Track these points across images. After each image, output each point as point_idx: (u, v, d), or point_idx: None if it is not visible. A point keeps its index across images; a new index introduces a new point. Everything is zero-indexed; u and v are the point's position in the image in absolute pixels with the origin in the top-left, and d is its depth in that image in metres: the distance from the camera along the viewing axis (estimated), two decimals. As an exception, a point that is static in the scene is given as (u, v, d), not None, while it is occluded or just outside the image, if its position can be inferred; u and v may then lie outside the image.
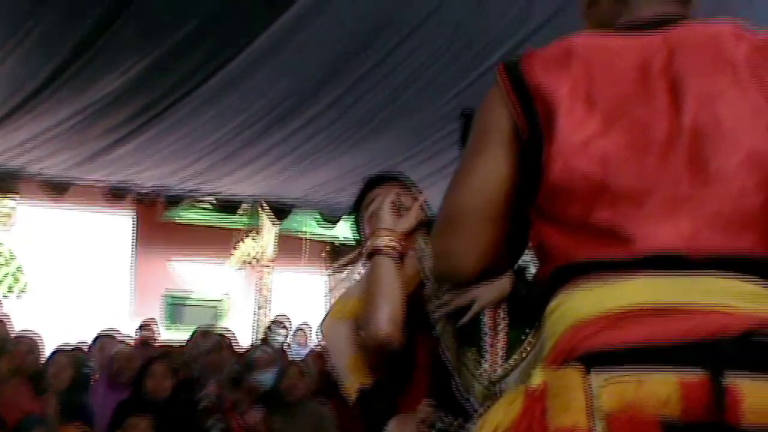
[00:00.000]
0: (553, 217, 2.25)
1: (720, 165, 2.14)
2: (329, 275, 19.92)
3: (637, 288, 2.15)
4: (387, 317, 3.54)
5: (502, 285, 3.42)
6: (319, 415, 8.51)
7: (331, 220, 14.26)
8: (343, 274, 20.20)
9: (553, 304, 2.26)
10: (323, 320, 3.90)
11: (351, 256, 18.97)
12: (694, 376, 2.04)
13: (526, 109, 2.24)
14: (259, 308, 16.63)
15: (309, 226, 16.62)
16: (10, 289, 15.92)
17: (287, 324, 14.54)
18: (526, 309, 3.38)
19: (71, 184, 11.90)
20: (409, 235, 3.68)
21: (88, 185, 12.08)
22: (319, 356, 10.29)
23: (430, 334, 3.56)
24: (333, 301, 3.65)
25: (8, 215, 15.80)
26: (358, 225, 4.07)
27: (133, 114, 9.80)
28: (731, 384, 2.02)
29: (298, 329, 15.29)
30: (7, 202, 15.56)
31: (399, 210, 3.76)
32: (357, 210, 4.07)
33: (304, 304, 18.12)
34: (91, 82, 9.01)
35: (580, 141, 2.18)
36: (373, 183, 4.06)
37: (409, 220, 3.67)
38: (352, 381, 3.69)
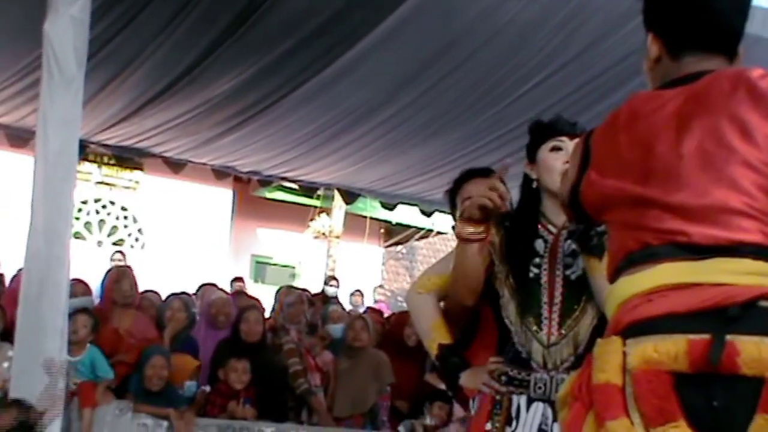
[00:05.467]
0: (611, 224, 2.44)
1: (728, 173, 2.21)
2: (384, 249, 19.94)
3: (662, 271, 2.22)
4: (469, 293, 3.55)
5: None
6: (377, 360, 8.52)
7: (389, 206, 14.22)
8: (398, 248, 20.28)
9: (609, 290, 2.40)
10: (408, 293, 3.89)
11: (402, 235, 19.07)
12: (702, 336, 2.12)
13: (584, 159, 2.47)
14: (327, 272, 16.65)
15: (371, 208, 16.61)
16: (132, 246, 16.05)
17: (338, 281, 14.59)
18: (578, 286, 3.39)
19: (187, 162, 11.96)
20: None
21: (199, 164, 12.14)
22: (376, 313, 10.31)
23: (495, 303, 3.55)
24: (415, 276, 3.65)
25: (135, 185, 15.92)
26: (453, 208, 4.01)
27: (237, 112, 9.87)
28: (730, 341, 2.09)
29: (354, 292, 15.32)
30: (135, 175, 15.68)
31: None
32: (453, 195, 4.01)
33: (363, 271, 18.16)
34: (205, 86, 9.12)
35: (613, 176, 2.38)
36: (466, 176, 4.01)
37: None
38: (434, 339, 3.67)
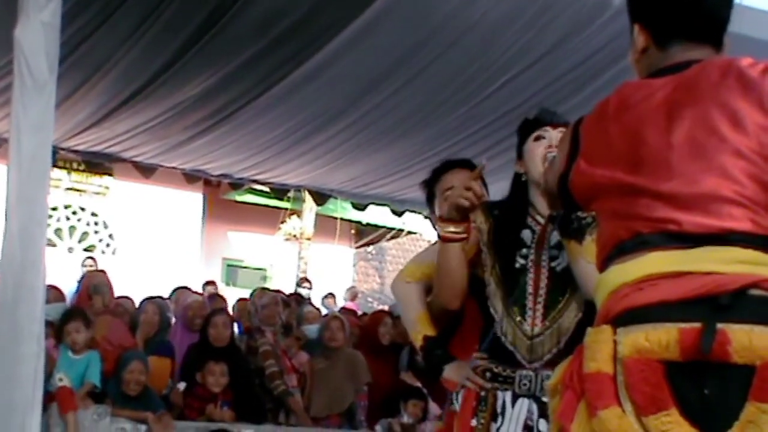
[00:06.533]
0: (601, 213, 2.44)
1: (719, 162, 2.22)
2: (355, 249, 19.95)
3: (653, 260, 2.23)
4: (454, 295, 3.55)
5: None
6: (353, 360, 8.54)
7: (360, 206, 14.21)
8: (368, 249, 20.29)
9: (598, 279, 2.39)
10: (394, 282, 3.88)
11: (373, 236, 19.06)
12: (693, 324, 2.13)
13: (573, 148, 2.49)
14: (299, 274, 16.65)
15: (342, 209, 16.62)
16: (103, 252, 15.99)
17: (310, 283, 14.64)
18: (563, 278, 3.40)
19: (157, 167, 11.90)
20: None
21: (169, 168, 12.08)
22: (351, 313, 10.31)
23: (481, 295, 3.56)
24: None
25: (105, 191, 15.86)
26: (431, 201, 4.04)
27: (207, 115, 9.82)
28: (721, 329, 2.10)
29: (327, 295, 15.35)
30: (105, 180, 15.62)
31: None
32: (431, 188, 4.03)
33: (335, 272, 18.17)
34: (175, 90, 9.07)
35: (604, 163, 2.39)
36: (445, 167, 4.03)
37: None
38: (419, 331, 3.66)
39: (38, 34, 5.72)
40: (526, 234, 3.50)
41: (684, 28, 2.42)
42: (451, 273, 3.49)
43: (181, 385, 7.83)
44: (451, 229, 3.41)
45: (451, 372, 3.56)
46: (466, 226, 3.42)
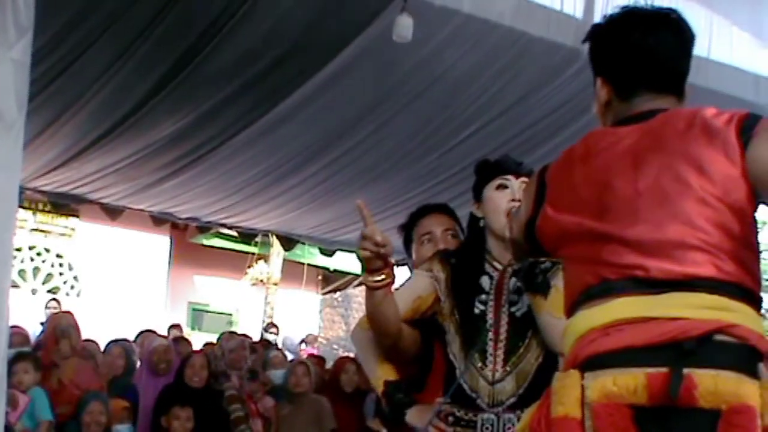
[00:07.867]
0: (568, 259, 2.47)
1: (683, 209, 2.27)
2: (322, 296, 19.91)
3: (619, 306, 2.27)
4: (386, 335, 3.55)
5: None
6: (318, 406, 8.49)
7: (328, 252, 14.21)
8: (334, 295, 20.25)
9: (566, 324, 2.42)
10: (354, 330, 3.84)
11: (340, 282, 18.99)
12: (660, 369, 2.16)
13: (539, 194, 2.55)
14: (265, 320, 16.59)
15: (309, 255, 16.61)
16: (67, 294, 15.88)
17: (277, 328, 14.60)
18: (523, 323, 3.41)
19: (124, 209, 11.87)
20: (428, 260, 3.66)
21: (137, 211, 12.05)
22: (319, 360, 10.27)
23: (443, 339, 3.56)
24: (351, 324, 3.62)
25: (70, 232, 15.78)
26: (408, 245, 4.05)
27: (176, 158, 9.82)
28: (688, 374, 2.14)
29: (301, 341, 15.34)
30: (70, 221, 15.54)
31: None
32: (408, 233, 4.04)
33: (301, 318, 18.11)
34: (145, 131, 9.05)
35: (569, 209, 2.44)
36: (422, 212, 4.04)
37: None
38: (379, 376, 3.63)
39: (8, 72, 5.66)
40: (484, 281, 3.50)
41: (644, 79, 2.48)
42: (378, 317, 3.45)
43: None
44: (371, 278, 3.34)
45: (413, 416, 3.53)
46: (387, 272, 3.33)
